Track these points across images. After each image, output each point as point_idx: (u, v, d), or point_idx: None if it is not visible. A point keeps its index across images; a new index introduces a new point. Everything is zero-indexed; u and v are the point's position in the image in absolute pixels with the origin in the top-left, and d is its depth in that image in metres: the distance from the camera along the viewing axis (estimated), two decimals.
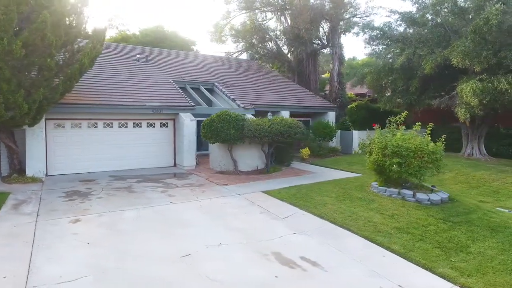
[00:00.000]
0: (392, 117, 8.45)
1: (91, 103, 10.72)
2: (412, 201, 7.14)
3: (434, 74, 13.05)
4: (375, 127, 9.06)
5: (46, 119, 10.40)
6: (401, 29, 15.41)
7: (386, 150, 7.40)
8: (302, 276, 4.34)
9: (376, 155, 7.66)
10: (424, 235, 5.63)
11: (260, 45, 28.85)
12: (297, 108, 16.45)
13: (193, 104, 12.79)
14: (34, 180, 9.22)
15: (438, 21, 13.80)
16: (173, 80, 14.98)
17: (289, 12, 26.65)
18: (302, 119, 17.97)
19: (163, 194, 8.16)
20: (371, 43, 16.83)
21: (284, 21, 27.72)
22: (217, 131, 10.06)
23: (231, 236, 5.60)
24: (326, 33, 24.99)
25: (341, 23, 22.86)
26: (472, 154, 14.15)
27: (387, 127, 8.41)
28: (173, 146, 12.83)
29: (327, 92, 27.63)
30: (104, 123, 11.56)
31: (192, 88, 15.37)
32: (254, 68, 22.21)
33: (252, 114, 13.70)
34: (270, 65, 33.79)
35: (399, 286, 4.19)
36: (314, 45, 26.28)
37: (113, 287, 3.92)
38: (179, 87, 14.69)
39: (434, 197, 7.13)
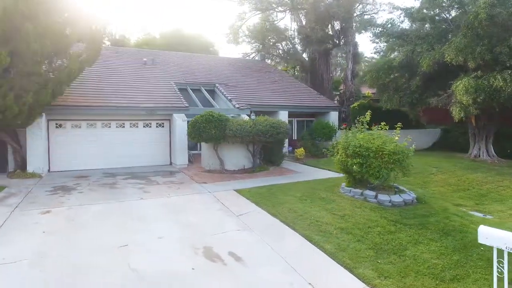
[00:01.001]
0: (362, 117, 8.30)
1: (89, 104, 11.52)
2: (373, 202, 7.04)
3: (436, 72, 12.56)
4: (345, 127, 8.95)
5: (48, 120, 11.38)
6: (404, 25, 14.94)
7: (348, 150, 7.35)
8: (218, 270, 4.55)
9: (340, 155, 7.62)
10: (365, 236, 5.59)
11: (272, 45, 29.00)
12: (296, 108, 16.45)
13: (186, 105, 13.27)
14: (33, 175, 10.12)
15: (442, 15, 13.23)
16: (174, 82, 15.59)
17: (301, 11, 26.56)
18: (305, 119, 17.99)
19: (140, 190, 8.66)
20: (376, 40, 16.47)
21: (297, 20, 27.60)
22: (200, 131, 10.43)
23: (178, 230, 5.91)
24: (338, 32, 24.60)
25: (355, 21, 22.33)
26: (479, 156, 13.40)
27: (356, 126, 8.30)
28: (169, 145, 13.40)
29: (341, 91, 27.19)
30: (103, 124, 12.36)
31: (193, 90, 15.89)
32: (262, 68, 22.38)
33: (247, 114, 13.95)
34: (286, 65, 33.93)
35: (310, 284, 4.27)
36: (327, 44, 25.95)
37: (42, 269, 4.37)
38: (180, 89, 15.27)
39: (397, 198, 6.98)
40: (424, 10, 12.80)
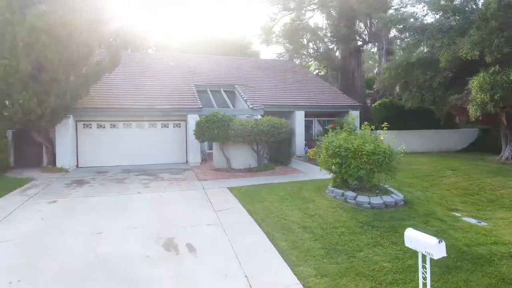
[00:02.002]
0: (352, 116, 8.12)
1: (109, 107, 12.70)
2: (352, 203, 6.92)
3: (457, 68, 11.69)
4: (333, 127, 8.80)
5: (76, 121, 12.77)
6: (428, 19, 14.05)
7: (329, 151, 7.29)
8: (168, 258, 4.93)
9: (323, 156, 7.57)
10: (324, 236, 5.58)
11: (302, 44, 28.78)
12: (313, 108, 16.30)
13: (200, 106, 13.92)
14: (60, 170, 11.47)
15: (466, 7, 12.24)
16: (194, 84, 16.39)
17: (331, 8, 26.00)
18: (326, 118, 17.68)
19: (142, 186, 9.42)
20: (401, 36, 15.73)
21: (327, 18, 27.11)
22: (203, 131, 10.96)
23: (153, 222, 6.42)
24: (368, 28, 23.68)
25: (377, 17, 21.39)
26: (511, 158, 12.17)
27: (343, 128, 8.15)
28: (185, 145, 14.17)
29: (375, 89, 26.12)
30: (124, 124, 13.51)
31: (212, 91, 16.55)
32: (288, 68, 22.39)
33: (261, 115, 14.20)
34: (318, 64, 33.43)
35: (246, 276, 4.46)
36: (357, 41, 25.12)
37: (23, 248, 5.13)
38: (199, 90, 16.03)
39: (376, 200, 6.77)
40: (443, 2, 11.95)
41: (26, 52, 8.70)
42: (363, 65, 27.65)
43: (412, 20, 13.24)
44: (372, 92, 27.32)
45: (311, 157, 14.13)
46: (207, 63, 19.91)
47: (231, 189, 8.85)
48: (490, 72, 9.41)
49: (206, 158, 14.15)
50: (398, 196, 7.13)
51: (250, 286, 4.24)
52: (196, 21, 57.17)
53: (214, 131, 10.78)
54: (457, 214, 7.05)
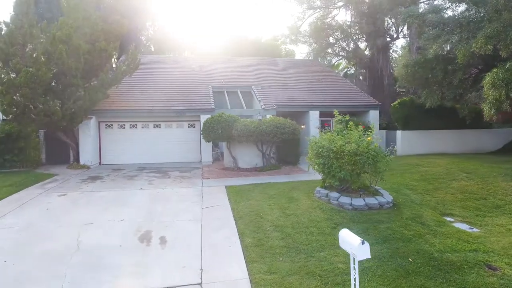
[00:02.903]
0: (341, 116, 7.99)
1: (128, 108, 13.61)
2: (335, 204, 6.83)
3: (483, 64, 10.90)
4: (326, 126, 8.65)
5: (99, 122, 13.86)
6: (450, 12, 13.22)
7: (313, 151, 7.25)
8: (139, 248, 5.31)
9: (310, 156, 7.54)
10: (292, 234, 5.62)
11: (327, 43, 28.20)
12: (328, 108, 15.97)
13: (213, 107, 14.37)
14: (83, 167, 12.54)
15: None
16: (212, 86, 16.93)
17: (357, 5, 25.19)
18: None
19: (147, 182, 10.02)
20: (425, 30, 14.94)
21: (353, 15, 26.36)
22: (208, 131, 11.35)
23: (140, 216, 6.86)
24: (395, 24, 22.61)
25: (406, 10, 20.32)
26: None
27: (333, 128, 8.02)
28: (199, 144, 14.70)
29: (406, 87, 24.88)
30: (142, 125, 14.38)
31: (229, 92, 16.97)
32: (310, 67, 22.19)
33: (273, 115, 14.32)
34: (346, 62, 32.56)
35: (201, 269, 4.70)
36: (385, 37, 24.08)
37: (21, 234, 5.82)
38: (216, 92, 16.54)
39: (358, 202, 6.62)
40: None
41: (47, 60, 9.73)
42: (393, 63, 26.46)
43: (430, 15, 12.50)
44: (404, 90, 26.07)
45: None
46: (227, 65, 20.38)
47: (227, 188, 9.11)
48: (506, 68, 8.67)
49: (219, 157, 14.58)
50: (385, 198, 6.89)
51: (201, 278, 4.46)
52: (229, 24, 58.35)
53: (218, 131, 11.13)
54: (449, 219, 6.67)
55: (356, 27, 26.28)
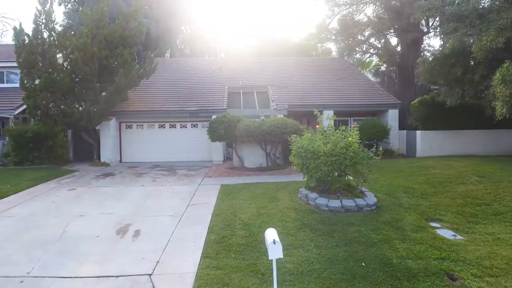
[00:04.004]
0: (329, 116, 7.82)
1: (144, 109, 14.45)
2: (312, 205, 6.76)
3: (495, 59, 10.02)
4: (316, 126, 8.47)
5: (120, 122, 14.87)
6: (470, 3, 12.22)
7: (293, 151, 7.22)
8: (112, 239, 5.74)
9: (293, 156, 7.50)
10: (256, 234, 5.67)
11: (354, 40, 27.25)
12: (343, 107, 15.62)
13: (224, 107, 14.71)
14: (103, 164, 13.56)
15: None
16: (228, 86, 17.32)
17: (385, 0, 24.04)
18: (363, 118, 16.67)
19: (151, 180, 10.61)
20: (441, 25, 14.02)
21: (377, 10, 25.24)
22: (212, 131, 11.69)
23: (129, 210, 7.34)
24: (425, 18, 21.17)
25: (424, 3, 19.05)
26: None
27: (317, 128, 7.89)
28: (212, 144, 15.13)
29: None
30: (159, 125, 15.16)
31: (246, 92, 17.26)
32: (332, 66, 21.73)
33: (284, 115, 14.33)
34: (378, 59, 31.20)
35: (157, 261, 4.97)
36: (416, 32, 22.70)
37: (20, 222, 6.56)
38: (232, 92, 16.91)
39: (334, 204, 6.47)
40: None
41: (66, 66, 10.75)
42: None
43: (448, 7, 11.67)
44: (437, 88, 24.42)
45: None
46: (247, 65, 20.65)
47: (222, 186, 9.36)
48: None
49: (231, 157, 14.87)
50: (365, 201, 6.66)
51: (153, 269, 4.74)
52: (263, 25, 58.65)
53: (221, 131, 11.43)
54: (435, 225, 6.29)
55: (387, 22, 25.12)
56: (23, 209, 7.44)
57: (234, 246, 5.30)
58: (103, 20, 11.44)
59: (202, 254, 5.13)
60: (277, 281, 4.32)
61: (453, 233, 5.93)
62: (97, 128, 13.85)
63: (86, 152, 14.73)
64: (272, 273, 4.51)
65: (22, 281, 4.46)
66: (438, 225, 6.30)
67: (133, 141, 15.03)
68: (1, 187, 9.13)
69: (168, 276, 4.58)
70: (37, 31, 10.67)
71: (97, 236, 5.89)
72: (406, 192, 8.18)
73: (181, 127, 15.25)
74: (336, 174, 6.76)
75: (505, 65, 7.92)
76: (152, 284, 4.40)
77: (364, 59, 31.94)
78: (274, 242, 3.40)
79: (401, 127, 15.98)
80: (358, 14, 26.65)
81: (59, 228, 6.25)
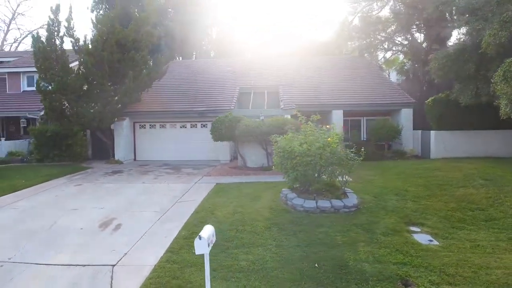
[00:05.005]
0: (314, 115, 7.74)
1: (155, 110, 15.06)
2: (289, 205, 6.75)
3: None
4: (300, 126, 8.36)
5: (134, 122, 15.62)
6: None
7: (274, 151, 7.24)
8: (93, 232, 6.13)
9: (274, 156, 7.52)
10: (225, 232, 5.78)
11: (374, 37, 26.33)
12: (353, 106, 15.22)
13: (232, 107, 14.93)
14: (117, 162, 14.33)
15: None
16: (239, 87, 17.54)
17: None
18: (378, 117, 16.16)
19: (153, 177, 11.09)
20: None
21: (395, 7, 24.23)
22: (214, 131, 11.95)
23: (120, 205, 7.75)
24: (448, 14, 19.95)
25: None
26: None
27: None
28: (220, 143, 15.41)
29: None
30: (170, 125, 15.72)
31: (256, 93, 17.40)
32: (350, 65, 21.19)
33: (290, 115, 14.29)
34: (403, 57, 29.91)
35: (125, 253, 5.27)
36: (442, 27, 21.47)
37: (21, 213, 7.20)
38: (243, 92, 17.13)
39: (309, 204, 6.41)
40: None
41: (78, 70, 11.57)
42: None
43: (458, 0, 11.01)
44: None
45: None
46: (261, 65, 20.73)
47: (216, 185, 9.57)
48: None
49: (237, 157, 15.06)
50: (343, 202, 6.54)
51: (118, 260, 5.02)
52: (289, 25, 58.35)
53: (222, 130, 11.66)
54: (414, 229, 6.04)
55: (409, 18, 24.03)
56: (28, 202, 8.13)
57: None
58: (114, 26, 12.14)
59: (167, 248, 5.34)
60: (224, 278, 4.46)
61: (430, 238, 5.66)
62: (112, 127, 14.66)
63: (104, 151, 15.62)
64: (225, 269, 4.66)
65: (2, 266, 4.94)
66: (418, 230, 6.04)
67: (146, 140, 15.72)
68: (17, 182, 10.00)
69: (129, 267, 4.85)
70: (50, 38, 11.63)
71: (81, 229, 6.32)
72: (397, 194, 7.88)
73: (191, 127, 15.71)
74: (315, 175, 6.69)
75: (508, 60, 7.35)
76: (112, 273, 4.68)
77: (389, 57, 30.89)
78: (199, 238, 3.52)
79: (421, 127, 15.22)
80: (379, 11, 25.85)
81: (51, 221, 6.78)
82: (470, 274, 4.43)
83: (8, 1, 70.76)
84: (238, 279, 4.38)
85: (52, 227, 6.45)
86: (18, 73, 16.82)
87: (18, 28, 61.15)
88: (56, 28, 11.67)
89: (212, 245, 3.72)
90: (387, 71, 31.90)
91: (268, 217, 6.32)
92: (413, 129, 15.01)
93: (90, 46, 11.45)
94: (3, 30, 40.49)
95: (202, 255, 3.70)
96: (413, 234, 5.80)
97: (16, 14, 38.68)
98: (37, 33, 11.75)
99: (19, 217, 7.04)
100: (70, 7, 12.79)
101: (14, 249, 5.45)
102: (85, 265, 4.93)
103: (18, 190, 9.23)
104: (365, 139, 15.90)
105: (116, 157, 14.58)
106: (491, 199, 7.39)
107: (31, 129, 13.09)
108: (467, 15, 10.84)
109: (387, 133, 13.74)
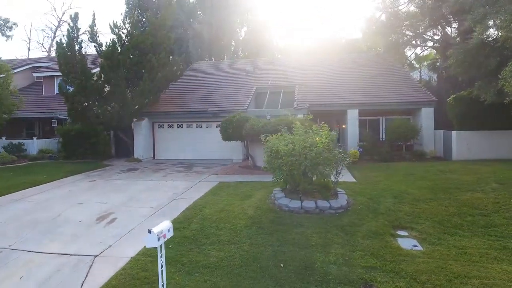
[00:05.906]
0: (308, 115, 7.62)
1: (171, 111, 15.62)
2: (276, 204, 6.75)
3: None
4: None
5: (153, 122, 16.32)
6: None
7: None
8: (89, 224, 6.57)
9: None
10: (206, 228, 5.94)
11: (402, 33, 25.09)
12: (370, 106, 14.71)
13: (245, 107, 15.07)
14: (135, 160, 15.07)
15: None
16: (256, 87, 17.66)
17: None
18: (397, 117, 15.47)
19: (162, 175, 11.54)
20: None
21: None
22: (222, 130, 12.17)
23: (122, 201, 8.19)
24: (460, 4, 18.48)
25: None
26: None
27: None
28: (234, 143, 15.63)
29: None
30: (187, 125, 16.22)
31: (272, 92, 17.42)
32: (372, 63, 20.56)
33: (304, 114, 14.16)
34: (434, 53, 28.26)
35: (110, 245, 5.61)
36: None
37: (34, 206, 7.87)
38: (260, 93, 17.25)
39: (294, 204, 6.36)
40: None
41: (100, 73, 12.40)
42: None
43: None
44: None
45: (353, 160, 13.02)
46: (280, 65, 20.71)
47: (219, 183, 9.78)
48: None
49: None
50: (329, 203, 6.41)
51: (101, 252, 5.36)
52: (316, 24, 57.44)
53: (229, 130, 11.85)
54: (401, 233, 5.79)
55: (438, 11, 22.65)
56: (43, 196, 8.86)
57: (178, 238, 5.65)
58: (131, 32, 12.85)
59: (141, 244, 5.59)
60: (189, 272, 4.60)
61: (415, 244, 5.40)
62: (132, 127, 15.45)
63: (126, 149, 16.50)
64: (195, 265, 4.80)
65: (1, 252, 5.48)
66: (405, 234, 5.78)
67: (164, 139, 16.36)
68: (39, 177, 10.91)
69: (108, 258, 5.15)
70: (70, 44, 12.55)
71: (80, 221, 6.79)
72: (396, 197, 7.56)
73: (206, 127, 16.10)
74: (301, 175, 6.63)
75: None
76: (92, 264, 5.02)
77: (419, 53, 29.34)
78: (149, 232, 3.68)
79: (448, 127, 14.35)
80: (405, 6, 24.61)
81: (56, 213, 7.35)
82: (443, 283, 4.20)
83: (55, 10, 76.68)
84: (202, 274, 4.50)
85: (56, 218, 6.99)
86: (52, 76, 18.29)
87: (63, 35, 65.99)
88: (75, 35, 12.61)
89: (164, 240, 3.85)
90: (418, 69, 30.33)
91: (251, 215, 6.37)
92: (438, 129, 14.18)
93: (108, 50, 12.27)
94: (50, 37, 43.91)
95: (157, 248, 3.86)
96: (397, 238, 5.56)
97: (61, 21, 41.73)
98: (60, 39, 12.72)
99: (30, 209, 7.70)
100: (94, 15, 13.72)
101: (15, 237, 6.00)
102: (71, 255, 5.31)
103: (38, 185, 10.06)
104: (383, 139, 15.31)
105: (136, 156, 15.33)
106: (498, 205, 6.86)
107: (58, 129, 14.19)
108: (485, 7, 10.07)
109: (404, 133, 13.13)
